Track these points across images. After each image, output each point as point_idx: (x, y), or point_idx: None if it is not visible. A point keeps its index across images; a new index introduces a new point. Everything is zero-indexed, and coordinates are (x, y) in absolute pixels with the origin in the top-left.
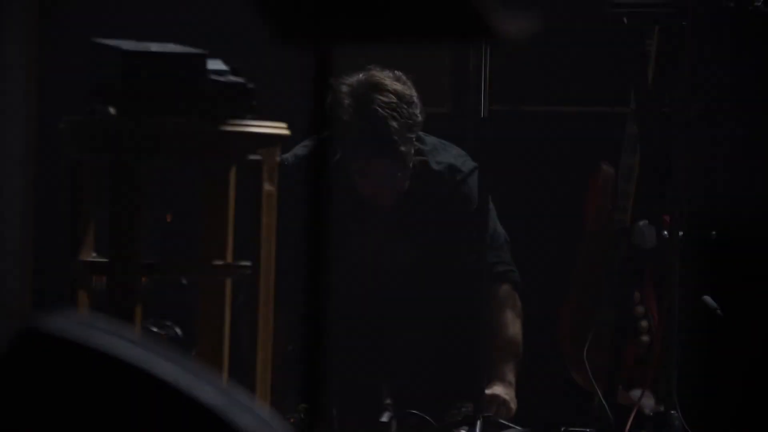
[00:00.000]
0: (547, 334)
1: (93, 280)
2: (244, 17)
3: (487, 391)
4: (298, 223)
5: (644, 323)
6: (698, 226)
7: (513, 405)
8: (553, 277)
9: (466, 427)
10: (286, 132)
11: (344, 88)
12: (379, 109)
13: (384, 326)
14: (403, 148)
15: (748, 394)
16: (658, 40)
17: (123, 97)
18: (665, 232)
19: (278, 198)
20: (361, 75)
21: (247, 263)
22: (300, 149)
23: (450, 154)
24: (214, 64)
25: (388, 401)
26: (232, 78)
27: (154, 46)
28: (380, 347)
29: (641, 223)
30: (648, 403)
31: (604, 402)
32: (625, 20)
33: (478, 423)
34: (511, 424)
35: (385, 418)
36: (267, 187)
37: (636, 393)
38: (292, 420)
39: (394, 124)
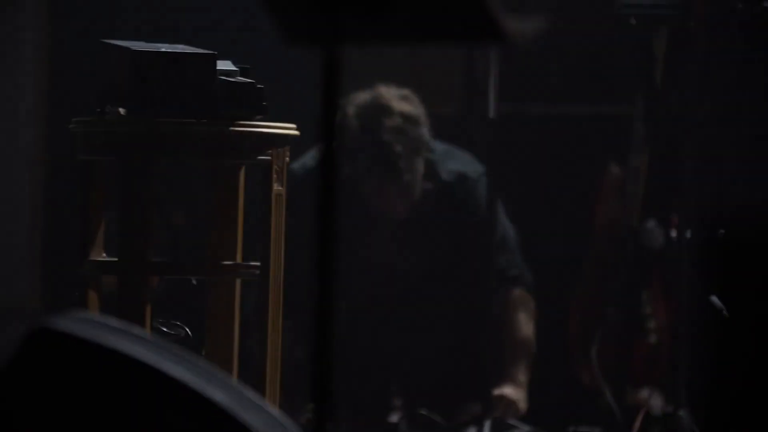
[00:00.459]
0: (556, 334)
1: (103, 280)
2: (254, 18)
3: (496, 392)
4: (307, 228)
5: (652, 323)
6: (706, 226)
7: (522, 405)
8: (561, 277)
9: (475, 428)
10: (295, 133)
11: (350, 110)
12: (385, 134)
13: (393, 327)
14: (407, 175)
15: (756, 394)
16: (666, 40)
17: (133, 97)
18: (673, 233)
19: (287, 205)
20: (367, 94)
21: (257, 263)
22: (309, 160)
23: (459, 161)
24: (224, 65)
25: (398, 401)
26: (242, 79)
27: (165, 47)
28: (390, 348)
29: (649, 223)
30: (656, 402)
31: (612, 402)
32: (633, 21)
33: (487, 423)
34: (518, 424)
35: (394, 419)
36: (276, 187)
37: (644, 393)
38: (301, 420)
39: (400, 149)
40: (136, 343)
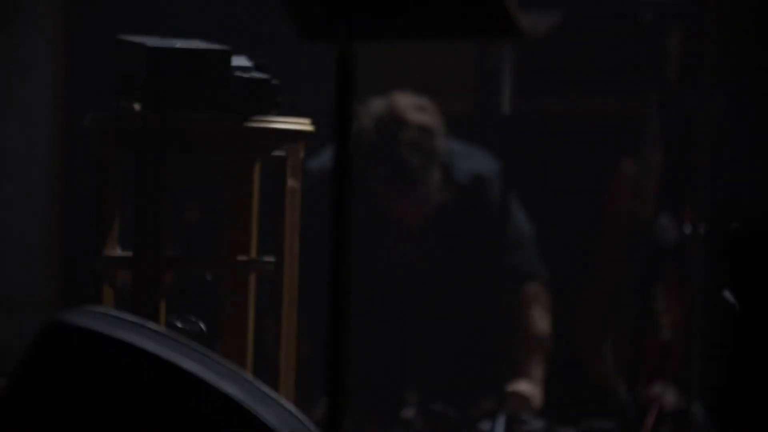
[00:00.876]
0: (569, 329)
1: (118, 275)
2: (269, 13)
3: (511, 388)
4: (322, 225)
5: (665, 318)
6: (720, 221)
7: (536, 401)
8: (575, 272)
9: (489, 422)
10: (310, 128)
11: (367, 121)
12: (401, 147)
13: (408, 322)
14: (423, 188)
15: None
16: (680, 37)
17: (148, 93)
18: (686, 228)
19: (302, 203)
20: (383, 104)
21: (271, 259)
22: (327, 159)
23: (474, 161)
24: (239, 61)
25: (412, 397)
26: (257, 74)
27: (179, 43)
28: (404, 343)
29: (663, 218)
30: (669, 397)
31: (625, 397)
32: (648, 17)
33: (501, 418)
34: (532, 419)
35: (408, 414)
36: (291, 183)
37: (657, 388)
38: (316, 415)
39: (416, 162)
40: (151, 338)
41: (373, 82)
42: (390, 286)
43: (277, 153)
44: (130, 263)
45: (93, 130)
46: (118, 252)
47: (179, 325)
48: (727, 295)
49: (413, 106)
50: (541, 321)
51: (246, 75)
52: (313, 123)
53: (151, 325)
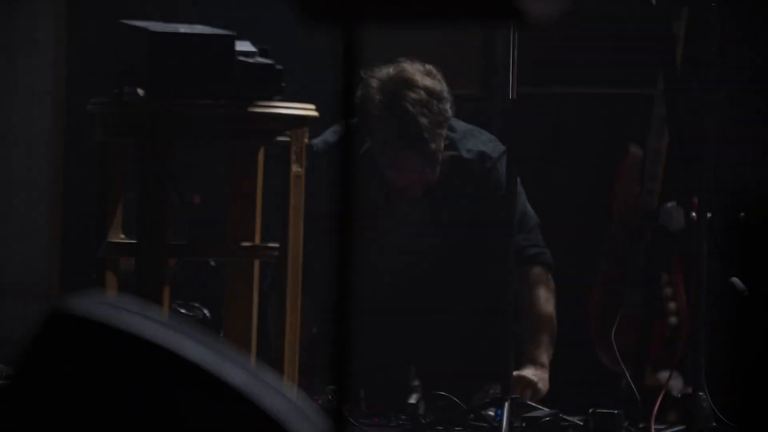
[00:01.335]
0: (576, 316)
1: (121, 261)
2: None
3: (516, 373)
4: (325, 206)
5: (672, 305)
6: (726, 207)
7: (542, 386)
8: (581, 259)
9: (494, 409)
10: (314, 113)
11: (374, 83)
12: (409, 106)
13: (412, 308)
14: (432, 145)
15: None
16: (686, 20)
17: (151, 78)
18: (693, 214)
19: (306, 182)
20: (391, 69)
21: (275, 245)
22: (330, 135)
23: (480, 141)
24: (243, 46)
25: (416, 383)
26: (261, 59)
27: (183, 28)
28: (408, 329)
29: (669, 204)
30: (676, 384)
31: (632, 383)
32: (653, 1)
33: (506, 405)
34: (538, 406)
35: (413, 400)
36: (295, 168)
37: (664, 374)
38: (320, 401)
39: (424, 120)
40: (153, 325)
41: (378, 67)
42: (394, 269)
43: (281, 138)
44: (133, 250)
45: (96, 116)
46: (121, 238)
47: (183, 311)
48: (736, 281)
49: (421, 71)
50: (546, 303)
51: (250, 60)
52: (317, 106)
53: (154, 312)
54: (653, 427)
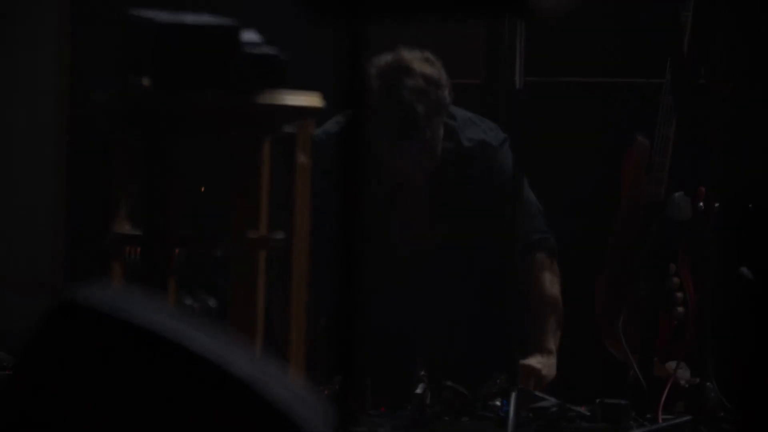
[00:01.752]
0: (582, 306)
1: (127, 252)
2: None
3: (523, 362)
4: (328, 197)
5: (679, 295)
6: (734, 197)
7: (548, 372)
8: (587, 249)
9: (501, 399)
10: (320, 104)
11: (372, 71)
12: (407, 94)
13: (418, 298)
14: (429, 133)
15: None
16: (694, 9)
17: (156, 69)
18: (701, 204)
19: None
20: (389, 57)
21: (281, 236)
22: (331, 125)
23: (480, 129)
24: (248, 36)
25: (423, 373)
26: (266, 49)
27: (188, 18)
28: (415, 319)
29: (677, 194)
30: (683, 374)
31: (639, 374)
32: None
33: (513, 395)
34: (545, 396)
35: (419, 390)
36: (301, 159)
37: (671, 365)
38: (326, 392)
39: (421, 108)
40: (159, 317)
41: (376, 55)
42: (399, 260)
43: (287, 129)
44: (139, 240)
45: (101, 107)
46: (127, 229)
47: (189, 301)
48: (745, 271)
49: (419, 58)
50: (551, 288)
51: (255, 50)
52: (323, 98)
53: (160, 302)
54: (660, 417)
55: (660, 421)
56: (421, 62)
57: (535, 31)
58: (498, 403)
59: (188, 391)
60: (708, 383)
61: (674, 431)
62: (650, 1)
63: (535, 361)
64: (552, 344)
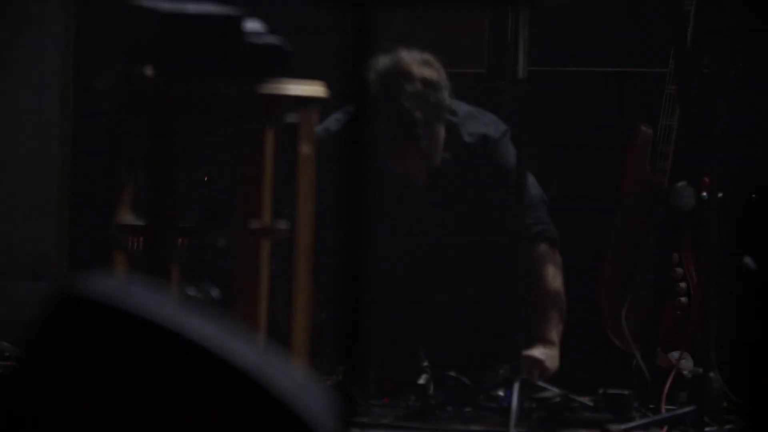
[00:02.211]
0: (586, 296)
1: (130, 241)
2: None
3: (526, 352)
4: (331, 190)
5: (683, 285)
6: (737, 187)
7: (551, 364)
8: (591, 238)
9: (504, 390)
10: (323, 93)
11: (371, 75)
12: (405, 100)
13: (421, 289)
14: (427, 141)
15: None
16: None
17: (160, 58)
18: (704, 194)
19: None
20: (388, 60)
21: (285, 226)
22: (332, 123)
23: (481, 122)
24: (252, 25)
25: (426, 363)
26: (270, 39)
27: (192, 7)
28: (418, 310)
29: (680, 184)
30: (687, 364)
31: (642, 364)
32: None
33: (515, 385)
34: (548, 386)
35: (422, 380)
36: (304, 149)
37: (674, 355)
38: (330, 382)
39: (419, 115)
40: (161, 307)
41: (387, 46)
42: (401, 252)
43: (290, 118)
44: (143, 230)
45: (105, 96)
46: (131, 218)
47: (193, 291)
48: (748, 261)
49: (418, 61)
50: (553, 279)
51: (258, 40)
52: (327, 87)
53: (163, 292)
54: (664, 407)
55: (663, 411)
56: (420, 65)
57: (538, 20)
58: (501, 393)
59: (190, 382)
60: (711, 373)
61: (677, 421)
62: None
63: (537, 352)
64: (554, 336)
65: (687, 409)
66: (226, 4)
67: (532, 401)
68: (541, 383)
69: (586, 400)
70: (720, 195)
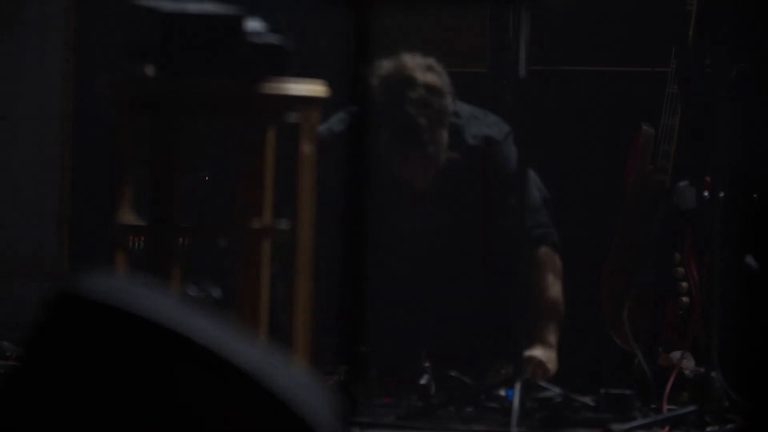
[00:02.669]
0: (587, 296)
1: (131, 241)
2: None
3: (526, 353)
4: (333, 190)
5: (684, 284)
6: (739, 186)
7: (551, 366)
8: (593, 238)
9: (505, 389)
10: (324, 93)
11: (375, 81)
12: (409, 106)
13: (423, 289)
14: (431, 147)
15: None
16: None
17: (161, 57)
18: (706, 193)
19: (315, 167)
20: (391, 65)
21: (286, 225)
22: (335, 124)
23: (484, 124)
24: (253, 25)
25: (427, 363)
26: (271, 38)
27: (193, 7)
28: (419, 310)
29: (682, 183)
30: (688, 364)
31: (644, 363)
32: None
33: (517, 385)
34: (549, 386)
35: (424, 381)
36: (305, 148)
37: (676, 354)
38: (331, 381)
39: (423, 121)
40: (162, 307)
41: (389, 45)
42: (403, 252)
43: (292, 119)
44: (144, 230)
45: (106, 95)
46: (131, 218)
47: (194, 290)
48: (750, 260)
49: (421, 66)
50: (552, 285)
51: (259, 39)
52: (328, 87)
53: (163, 292)
54: (665, 407)
55: (665, 411)
56: (423, 71)
57: (539, 19)
58: (502, 393)
59: (192, 382)
60: (713, 373)
61: (679, 421)
62: None
63: (538, 353)
64: (552, 338)
65: (689, 408)
66: (227, 3)
67: (533, 401)
68: (542, 383)
69: (587, 399)
70: (722, 194)
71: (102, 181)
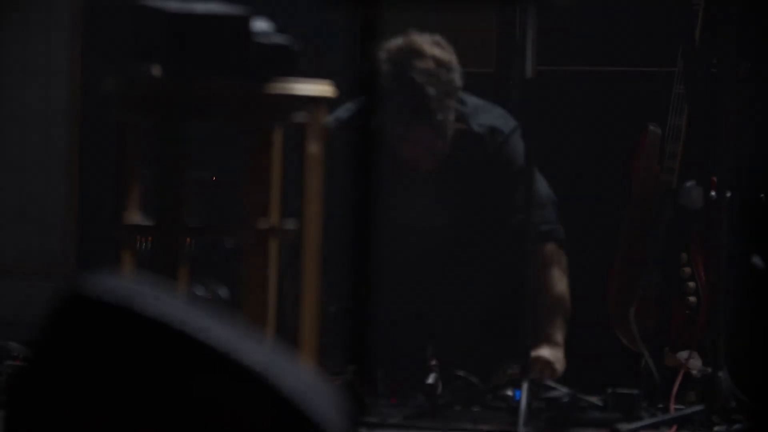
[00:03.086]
0: (594, 296)
1: (138, 241)
2: None
3: (533, 353)
4: (340, 183)
5: (691, 284)
6: (746, 186)
7: (559, 366)
8: (600, 238)
9: (512, 389)
10: (331, 93)
11: (382, 54)
12: (417, 76)
13: (429, 288)
14: (440, 116)
15: None
16: None
17: (168, 58)
18: (713, 193)
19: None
20: (400, 40)
21: (293, 225)
22: (342, 112)
23: (491, 116)
24: (259, 25)
25: (434, 363)
26: (277, 38)
27: (199, 7)
28: (426, 309)
29: (688, 183)
30: (695, 364)
31: (651, 363)
32: None
33: (524, 385)
34: (557, 386)
35: (430, 380)
36: (312, 148)
37: (683, 354)
38: (338, 381)
39: (432, 90)
40: (169, 307)
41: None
42: (409, 251)
43: (299, 118)
44: (151, 230)
45: (112, 96)
46: (138, 218)
47: (201, 290)
48: (757, 260)
49: (429, 41)
50: (558, 282)
51: (266, 40)
52: (334, 84)
53: (170, 293)
54: (672, 407)
55: (672, 410)
56: (431, 45)
57: (546, 20)
58: (509, 392)
59: (199, 382)
60: (720, 373)
61: (686, 421)
62: None
63: (545, 353)
64: (559, 337)
65: (696, 408)
66: (234, 3)
67: (540, 401)
68: (549, 383)
69: (594, 399)
70: (728, 194)
71: (109, 182)
